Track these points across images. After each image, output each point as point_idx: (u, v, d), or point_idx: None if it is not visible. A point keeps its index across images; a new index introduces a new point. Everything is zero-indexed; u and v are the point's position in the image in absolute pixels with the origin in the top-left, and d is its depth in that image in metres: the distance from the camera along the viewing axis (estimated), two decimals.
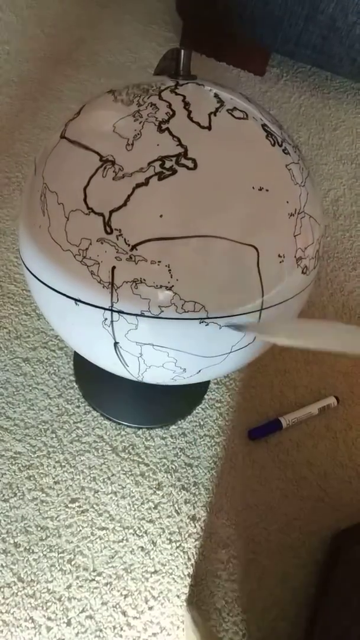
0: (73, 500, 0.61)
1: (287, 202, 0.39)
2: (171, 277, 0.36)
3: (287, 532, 0.62)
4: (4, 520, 0.59)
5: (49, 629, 0.54)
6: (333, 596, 0.50)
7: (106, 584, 0.57)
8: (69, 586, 0.57)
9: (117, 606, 0.56)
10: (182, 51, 0.42)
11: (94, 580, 0.57)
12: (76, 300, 0.40)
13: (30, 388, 0.68)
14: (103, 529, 0.60)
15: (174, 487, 0.64)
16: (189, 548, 0.60)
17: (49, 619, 0.55)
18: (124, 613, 0.56)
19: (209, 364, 0.43)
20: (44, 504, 0.61)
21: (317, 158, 1.03)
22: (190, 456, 0.66)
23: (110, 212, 0.36)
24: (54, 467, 0.63)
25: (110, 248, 0.36)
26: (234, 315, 0.38)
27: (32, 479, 0.62)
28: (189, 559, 0.60)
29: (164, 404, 0.68)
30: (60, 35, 1.12)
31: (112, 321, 0.39)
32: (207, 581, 0.59)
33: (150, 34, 1.17)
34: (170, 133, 0.37)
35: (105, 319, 0.39)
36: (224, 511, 0.63)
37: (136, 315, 0.38)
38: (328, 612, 0.48)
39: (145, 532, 0.60)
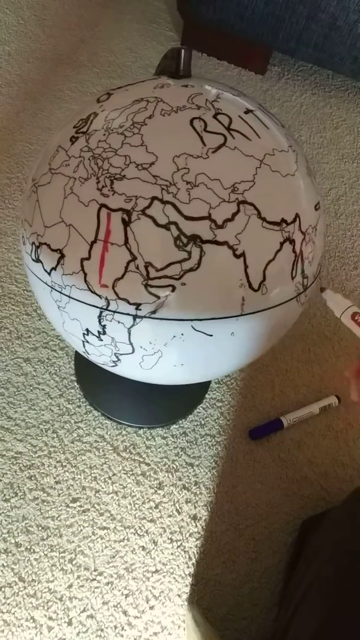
0: (74, 500, 0.61)
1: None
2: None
3: (289, 531, 0.62)
4: (5, 520, 0.59)
5: (50, 628, 0.54)
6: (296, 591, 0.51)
7: (107, 584, 0.57)
8: (70, 586, 0.57)
9: (118, 606, 0.56)
10: (183, 51, 0.42)
11: (95, 579, 0.57)
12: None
13: (31, 388, 0.68)
14: (104, 528, 0.60)
15: (175, 486, 0.64)
16: (190, 547, 0.60)
17: (50, 618, 0.55)
18: (125, 612, 0.56)
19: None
20: (45, 503, 0.61)
21: (319, 157, 1.02)
22: (191, 455, 0.66)
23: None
24: (55, 466, 0.63)
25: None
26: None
27: (33, 478, 0.62)
28: (190, 559, 0.60)
29: (165, 404, 0.68)
30: (60, 36, 1.12)
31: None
32: (208, 580, 0.59)
33: (151, 33, 1.17)
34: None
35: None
36: (225, 510, 0.63)
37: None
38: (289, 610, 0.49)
39: (147, 532, 0.60)
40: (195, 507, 0.63)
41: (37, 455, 0.64)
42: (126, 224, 0.36)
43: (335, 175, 1.00)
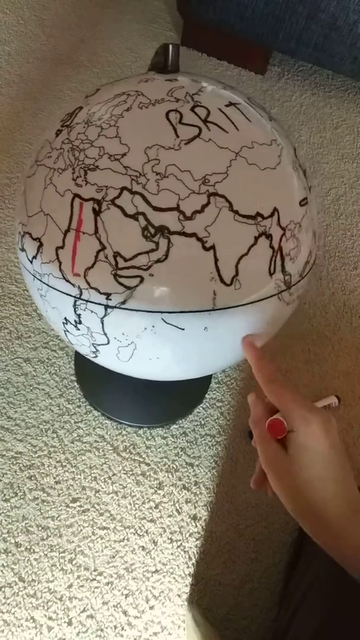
0: (74, 500, 0.61)
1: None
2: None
3: (289, 531, 0.62)
4: (5, 520, 0.59)
5: (50, 628, 0.54)
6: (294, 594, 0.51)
7: (107, 584, 0.57)
8: (70, 586, 0.57)
9: (118, 606, 0.56)
10: (170, 46, 0.43)
11: (95, 579, 0.57)
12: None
13: (31, 388, 0.68)
14: (104, 528, 0.60)
15: (175, 486, 0.64)
16: (190, 547, 0.60)
17: (50, 618, 0.55)
18: (125, 612, 0.56)
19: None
20: (45, 503, 0.61)
21: (319, 157, 1.02)
22: (191, 455, 0.66)
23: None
24: (55, 466, 0.63)
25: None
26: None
27: (33, 478, 0.62)
28: (190, 559, 0.60)
29: (165, 404, 0.68)
30: (60, 36, 1.12)
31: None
32: (208, 580, 0.59)
33: (151, 33, 1.17)
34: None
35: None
36: (225, 510, 0.63)
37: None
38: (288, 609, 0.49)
39: (146, 532, 0.60)
40: (195, 507, 0.63)
41: (37, 455, 0.64)
42: (96, 213, 0.36)
43: (335, 175, 1.00)
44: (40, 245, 0.40)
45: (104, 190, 0.36)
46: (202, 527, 0.61)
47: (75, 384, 0.69)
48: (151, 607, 0.57)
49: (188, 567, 0.59)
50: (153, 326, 0.39)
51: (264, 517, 0.63)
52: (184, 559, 0.59)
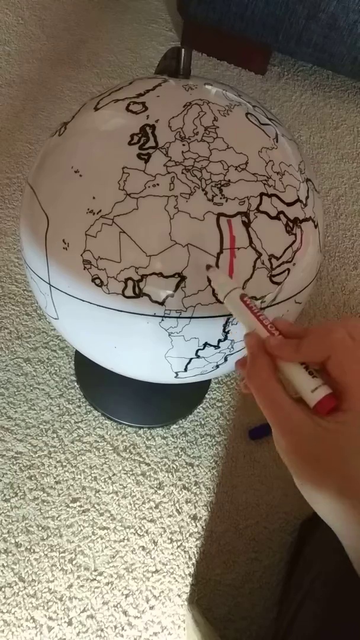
0: (74, 500, 0.61)
1: None
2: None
3: (289, 531, 0.62)
4: (5, 520, 0.59)
5: (50, 628, 0.54)
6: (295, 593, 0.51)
7: (107, 584, 0.57)
8: (70, 586, 0.57)
9: (118, 606, 0.56)
10: (183, 50, 0.42)
11: (95, 579, 0.57)
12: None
13: (31, 388, 0.68)
14: (104, 528, 0.60)
15: (175, 486, 0.64)
16: (190, 547, 0.60)
17: (50, 618, 0.55)
18: (125, 612, 0.56)
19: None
20: (45, 503, 0.61)
21: (319, 157, 1.02)
22: (191, 455, 0.66)
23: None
24: (55, 466, 0.63)
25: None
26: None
27: (33, 478, 0.62)
28: (190, 559, 0.60)
29: (165, 404, 0.68)
30: (60, 36, 1.12)
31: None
32: (208, 580, 0.59)
33: (151, 33, 1.17)
34: None
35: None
36: (225, 510, 0.63)
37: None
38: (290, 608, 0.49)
39: (147, 532, 0.60)
40: (195, 507, 0.63)
41: (37, 455, 0.64)
42: (247, 225, 0.37)
43: (335, 175, 1.00)
44: (182, 279, 0.36)
45: (247, 201, 0.37)
46: (202, 527, 0.61)
47: (75, 384, 0.69)
48: (151, 607, 0.57)
49: (188, 567, 0.59)
50: (287, 310, 0.42)
51: (264, 517, 0.63)
52: (184, 559, 0.59)
